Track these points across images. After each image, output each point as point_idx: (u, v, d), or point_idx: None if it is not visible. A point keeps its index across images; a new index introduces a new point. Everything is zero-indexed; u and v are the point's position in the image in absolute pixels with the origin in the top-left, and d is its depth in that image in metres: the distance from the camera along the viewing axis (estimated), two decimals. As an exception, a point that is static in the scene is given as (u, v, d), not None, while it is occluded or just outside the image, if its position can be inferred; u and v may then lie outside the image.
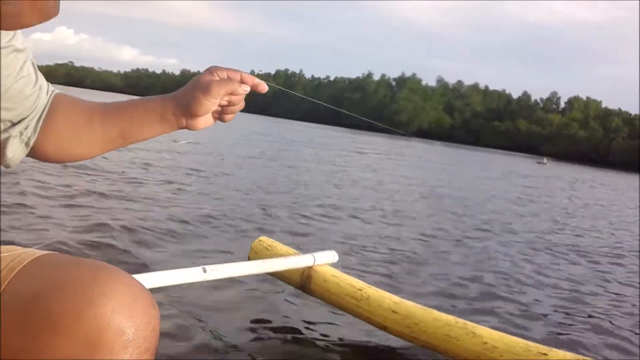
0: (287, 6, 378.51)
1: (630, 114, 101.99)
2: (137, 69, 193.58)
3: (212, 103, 0.93)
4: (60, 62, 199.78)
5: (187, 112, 0.94)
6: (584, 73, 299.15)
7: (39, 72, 0.93)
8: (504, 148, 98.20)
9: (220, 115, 0.98)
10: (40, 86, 0.92)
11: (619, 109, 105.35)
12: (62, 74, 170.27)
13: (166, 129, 0.98)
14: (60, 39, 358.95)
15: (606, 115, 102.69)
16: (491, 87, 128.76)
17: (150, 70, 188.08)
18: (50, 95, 0.95)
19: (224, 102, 0.95)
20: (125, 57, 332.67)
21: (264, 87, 0.96)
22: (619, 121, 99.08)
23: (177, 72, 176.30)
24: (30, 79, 0.89)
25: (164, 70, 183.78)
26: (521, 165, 38.81)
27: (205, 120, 0.97)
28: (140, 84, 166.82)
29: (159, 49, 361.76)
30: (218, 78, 0.93)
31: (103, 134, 0.97)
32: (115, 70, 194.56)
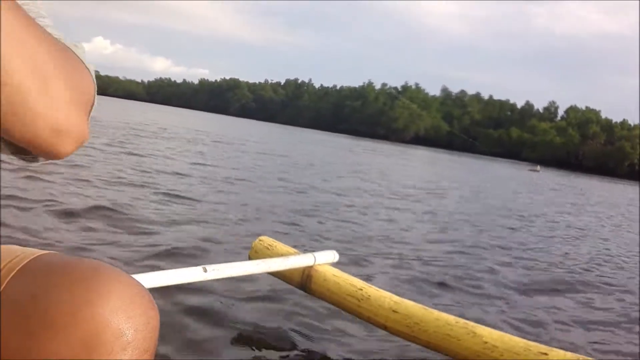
0: (308, 16, 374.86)
1: (611, 121, 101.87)
2: (160, 78, 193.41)
3: None
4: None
5: None
6: (601, 83, 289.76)
7: None
8: (494, 154, 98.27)
9: None
10: None
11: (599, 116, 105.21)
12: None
13: None
14: (97, 49, 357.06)
15: (586, 122, 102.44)
16: (508, 98, 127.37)
17: (173, 79, 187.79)
18: None
19: None
20: (158, 68, 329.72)
21: None
22: (597, 128, 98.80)
23: (195, 81, 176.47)
24: None
25: (184, 80, 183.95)
26: (514, 172, 38.64)
27: None
28: (161, 93, 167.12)
29: (190, 60, 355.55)
30: None
31: None
32: (139, 80, 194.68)
